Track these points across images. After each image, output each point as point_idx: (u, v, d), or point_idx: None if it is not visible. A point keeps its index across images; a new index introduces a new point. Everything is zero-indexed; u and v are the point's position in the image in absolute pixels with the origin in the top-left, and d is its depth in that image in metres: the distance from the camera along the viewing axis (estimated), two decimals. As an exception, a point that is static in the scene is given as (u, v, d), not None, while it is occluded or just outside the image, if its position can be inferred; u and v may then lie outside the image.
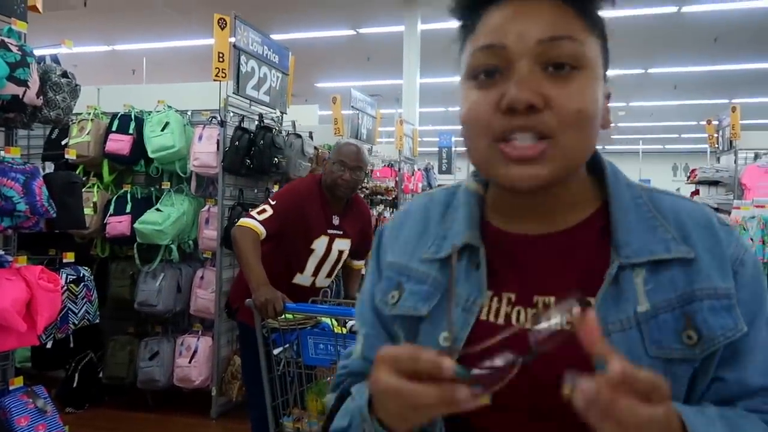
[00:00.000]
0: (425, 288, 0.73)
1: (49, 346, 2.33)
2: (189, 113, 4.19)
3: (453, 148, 13.12)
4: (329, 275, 2.74)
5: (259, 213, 2.52)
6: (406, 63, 10.10)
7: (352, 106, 6.08)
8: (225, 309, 3.97)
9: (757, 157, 7.13)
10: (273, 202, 2.57)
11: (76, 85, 2.38)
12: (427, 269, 0.74)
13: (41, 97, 2.15)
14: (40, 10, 2.50)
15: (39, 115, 2.21)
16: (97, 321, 2.69)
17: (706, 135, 8.15)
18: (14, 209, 2.00)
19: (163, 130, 3.97)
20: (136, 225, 3.87)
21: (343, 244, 2.70)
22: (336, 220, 2.67)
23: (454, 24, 0.74)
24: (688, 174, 8.68)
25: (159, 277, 3.96)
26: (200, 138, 3.96)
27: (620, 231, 0.68)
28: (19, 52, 2.06)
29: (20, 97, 2.05)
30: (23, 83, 2.04)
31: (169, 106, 4.08)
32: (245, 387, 3.26)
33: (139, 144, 4.01)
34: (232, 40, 3.96)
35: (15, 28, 2.16)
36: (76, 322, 2.48)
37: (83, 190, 3.56)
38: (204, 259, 4.12)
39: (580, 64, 0.65)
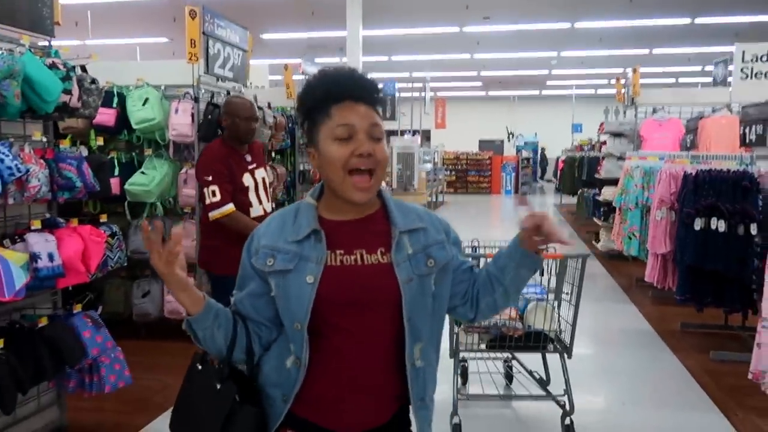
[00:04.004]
0: (289, 256, 1.26)
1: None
2: (163, 87, 4.84)
3: (397, 96, 13.87)
4: (269, 199, 3.56)
5: (215, 197, 3.14)
6: (349, 15, 10.63)
7: (303, 72, 6.77)
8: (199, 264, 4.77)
9: (654, 111, 8.07)
10: (210, 178, 3.17)
11: (102, 88, 3.09)
12: (289, 247, 1.27)
13: (80, 101, 2.87)
14: (61, 23, 3.17)
15: (76, 113, 2.93)
16: (125, 264, 3.49)
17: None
18: (74, 186, 2.75)
19: (144, 104, 4.64)
20: (126, 186, 4.59)
21: (260, 173, 3.49)
22: (248, 158, 3.44)
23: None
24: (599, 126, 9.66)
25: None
26: (176, 111, 4.64)
27: (395, 216, 1.31)
28: (64, 69, 2.75)
29: (67, 102, 2.77)
30: (69, 92, 2.75)
31: (147, 83, 4.73)
32: None
33: (122, 116, 4.67)
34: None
35: (60, 51, 2.85)
36: (113, 265, 3.29)
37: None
38: (183, 213, 4.87)
39: (383, 137, 1.27)
